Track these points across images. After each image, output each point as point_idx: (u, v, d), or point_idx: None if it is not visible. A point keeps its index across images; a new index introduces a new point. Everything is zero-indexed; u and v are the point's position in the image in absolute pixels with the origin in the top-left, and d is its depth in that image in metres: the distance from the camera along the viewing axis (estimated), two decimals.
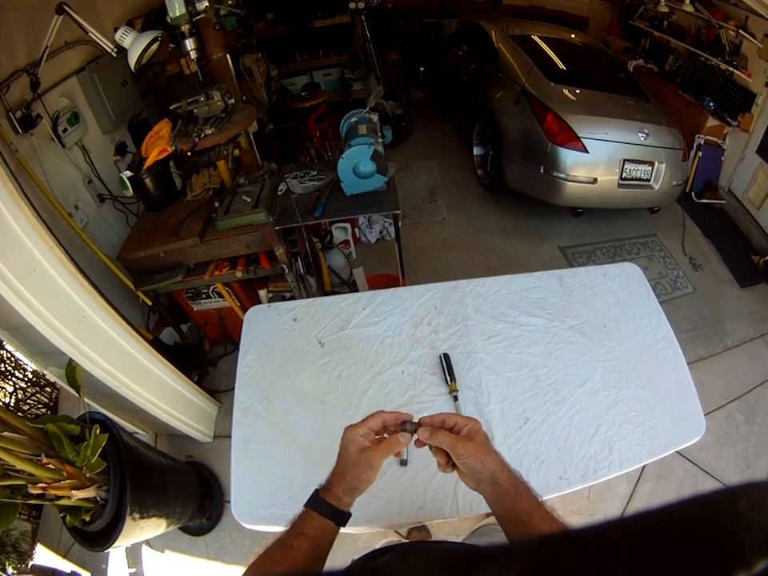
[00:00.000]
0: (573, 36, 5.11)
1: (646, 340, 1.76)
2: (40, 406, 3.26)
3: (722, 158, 4.77)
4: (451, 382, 1.59)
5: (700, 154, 4.68)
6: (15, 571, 2.57)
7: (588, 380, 1.63)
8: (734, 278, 3.97)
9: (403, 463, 1.43)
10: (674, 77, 5.32)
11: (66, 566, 2.57)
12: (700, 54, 4.82)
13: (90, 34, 2.32)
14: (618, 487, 2.59)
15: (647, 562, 0.24)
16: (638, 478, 2.62)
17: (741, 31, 4.27)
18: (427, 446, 0.90)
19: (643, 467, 2.62)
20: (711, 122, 4.66)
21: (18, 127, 2.31)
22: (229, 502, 2.47)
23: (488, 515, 1.70)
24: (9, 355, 3.14)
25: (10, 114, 2.28)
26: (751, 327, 3.57)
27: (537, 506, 0.81)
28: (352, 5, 4.78)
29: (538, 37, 4.73)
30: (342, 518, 0.85)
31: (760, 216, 4.40)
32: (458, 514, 1.34)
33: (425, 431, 0.88)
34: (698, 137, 4.68)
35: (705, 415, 1.57)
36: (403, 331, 1.78)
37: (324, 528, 0.82)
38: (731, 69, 4.43)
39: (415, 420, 0.91)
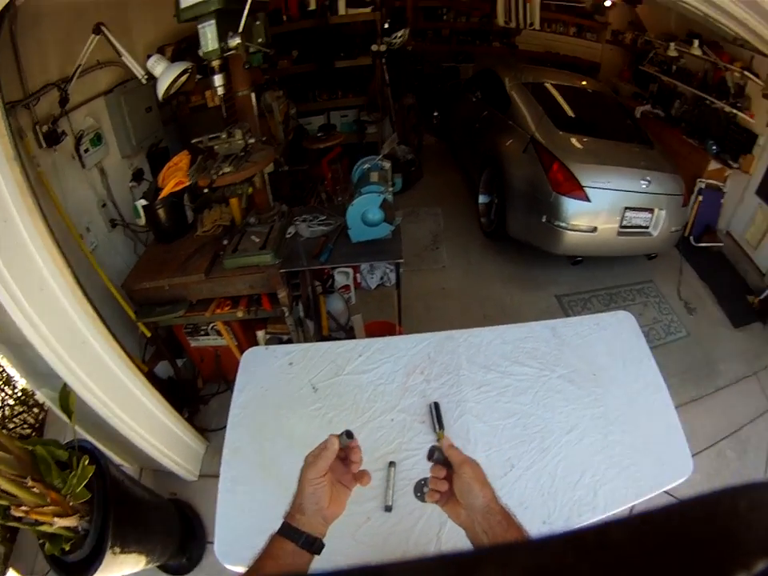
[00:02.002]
0: (584, 83, 5.20)
1: (635, 386, 1.80)
2: (26, 426, 3.17)
3: (722, 201, 4.81)
4: (439, 430, 1.62)
5: (701, 198, 4.73)
6: None
7: (575, 427, 1.66)
8: (729, 320, 3.98)
9: (388, 509, 1.45)
10: (680, 121, 5.41)
11: None
12: (705, 97, 4.90)
13: (124, 57, 2.40)
14: None
15: (648, 562, 0.24)
16: None
17: (746, 72, 4.35)
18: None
19: (631, 509, 2.60)
20: (713, 165, 4.72)
21: (43, 141, 2.34)
22: (211, 543, 2.40)
23: None
24: (0, 369, 3.09)
25: (37, 126, 2.31)
26: (744, 366, 3.57)
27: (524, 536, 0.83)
28: (374, 47, 4.88)
29: (550, 84, 4.79)
30: (309, 542, 0.84)
31: (756, 256, 4.43)
32: None
33: (447, 440, 0.96)
34: (700, 181, 4.73)
35: (695, 454, 1.59)
36: (396, 379, 1.81)
37: (284, 548, 0.83)
38: (735, 111, 4.50)
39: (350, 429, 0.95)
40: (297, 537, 0.83)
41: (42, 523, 1.57)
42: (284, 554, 0.82)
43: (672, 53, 5.24)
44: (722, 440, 3.04)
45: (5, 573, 2.60)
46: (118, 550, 1.77)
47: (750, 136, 4.41)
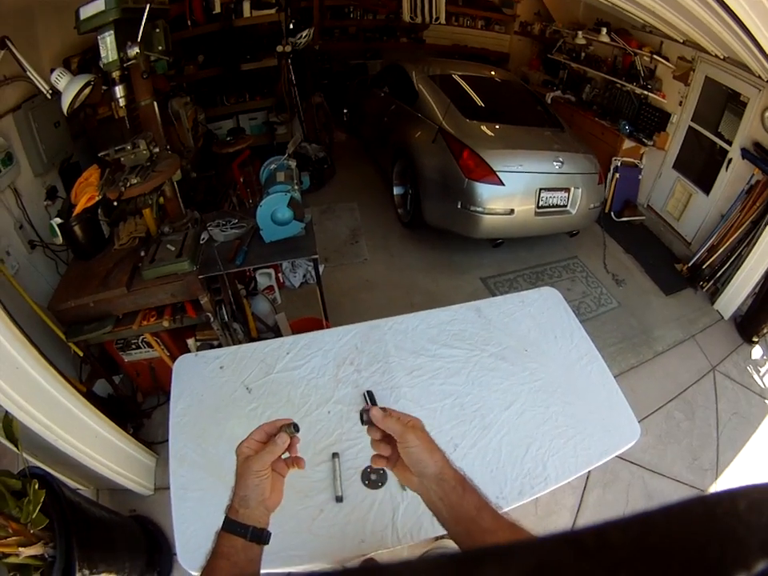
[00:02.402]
0: (492, 73, 5.38)
1: (569, 357, 1.87)
2: None
3: (640, 177, 5.15)
4: None
5: (617, 175, 5.03)
6: None
7: (513, 402, 1.70)
8: (659, 288, 4.22)
9: (339, 500, 1.45)
10: (591, 105, 5.74)
11: None
12: (616, 81, 5.23)
13: (28, 72, 2.31)
14: (565, 499, 2.66)
15: (647, 562, 0.24)
16: (584, 488, 2.69)
17: (656, 56, 4.67)
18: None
19: (587, 477, 2.71)
20: (627, 144, 5.03)
21: None
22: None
23: (437, 539, 1.69)
24: None
25: None
26: (680, 331, 3.80)
27: (484, 503, 0.82)
28: (279, 48, 4.92)
29: (457, 75, 4.93)
30: (254, 534, 0.83)
31: (680, 226, 4.76)
32: (399, 543, 1.37)
33: (378, 412, 0.90)
34: (615, 159, 5.03)
35: (642, 419, 1.67)
36: (327, 372, 1.82)
37: (234, 545, 0.81)
38: (646, 92, 4.83)
39: (294, 421, 0.94)
40: (244, 531, 0.83)
41: (9, 555, 1.54)
42: (235, 552, 0.81)
43: (580, 41, 5.57)
44: (669, 402, 3.20)
45: None
46: (87, 572, 1.75)
47: (663, 115, 4.76)
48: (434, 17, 5.45)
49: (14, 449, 1.70)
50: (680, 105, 4.60)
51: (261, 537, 0.84)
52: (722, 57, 3.93)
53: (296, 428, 0.93)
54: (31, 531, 1.60)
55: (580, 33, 5.50)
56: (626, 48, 4.96)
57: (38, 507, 1.61)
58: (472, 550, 0.27)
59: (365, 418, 0.93)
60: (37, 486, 1.64)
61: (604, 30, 5.14)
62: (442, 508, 0.84)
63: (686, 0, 2.79)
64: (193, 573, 1.36)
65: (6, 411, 1.85)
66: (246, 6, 4.93)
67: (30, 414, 1.96)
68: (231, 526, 0.83)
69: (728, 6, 2.59)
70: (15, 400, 1.89)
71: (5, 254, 2.54)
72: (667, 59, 4.61)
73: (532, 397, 1.73)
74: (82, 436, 2.23)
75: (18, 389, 1.90)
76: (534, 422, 1.65)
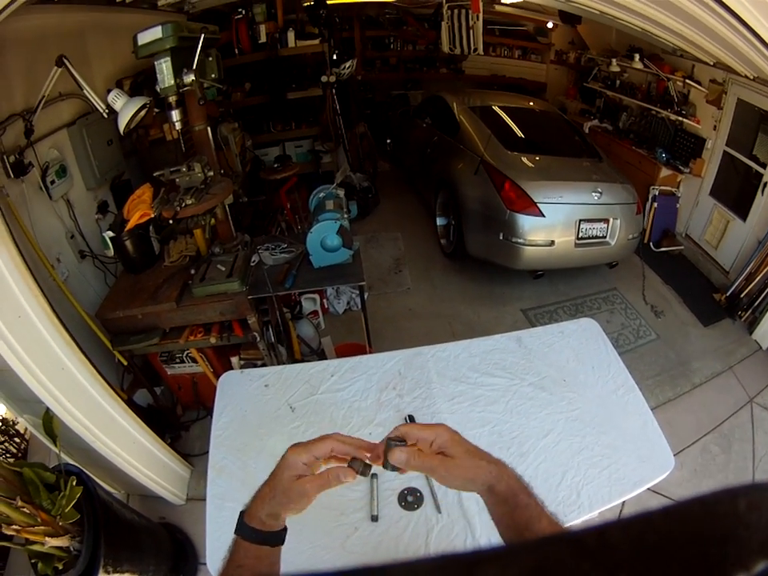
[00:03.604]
0: (530, 103, 5.42)
1: (606, 388, 1.86)
2: (8, 455, 3.15)
3: (678, 206, 5.05)
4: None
5: (655, 204, 4.95)
6: None
7: (550, 431, 1.70)
8: (697, 319, 4.11)
9: (374, 519, 1.47)
10: (628, 133, 5.68)
11: None
12: (651, 107, 5.17)
13: (85, 90, 2.42)
14: None
15: (647, 562, 0.24)
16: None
17: (688, 81, 4.61)
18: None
19: (621, 509, 2.65)
20: (664, 172, 4.95)
21: (11, 171, 2.32)
22: (203, 564, 2.40)
23: None
24: None
25: (4, 156, 2.30)
26: (718, 362, 3.67)
27: (538, 517, 0.74)
28: (324, 78, 5.04)
29: (497, 107, 4.98)
30: (273, 539, 0.77)
31: (718, 255, 4.63)
32: None
33: (400, 455, 0.77)
34: (653, 188, 4.96)
35: (678, 453, 1.64)
36: (369, 396, 1.84)
37: (259, 555, 0.76)
38: (681, 118, 4.76)
39: (368, 461, 0.80)
40: (266, 539, 0.77)
41: (34, 543, 1.58)
42: (253, 561, 0.76)
43: (615, 68, 5.52)
44: (705, 436, 3.10)
45: None
46: (110, 569, 1.78)
47: (699, 141, 4.67)
48: (472, 47, 5.55)
49: (52, 445, 1.76)
50: (714, 129, 4.52)
51: (275, 539, 0.79)
52: (751, 77, 3.85)
53: (367, 468, 0.80)
54: (60, 524, 1.64)
55: (614, 60, 5.48)
56: (659, 73, 4.92)
57: (73, 503, 1.65)
58: (472, 550, 0.28)
59: (357, 468, 0.79)
60: (74, 483, 1.69)
61: (637, 56, 5.11)
62: (492, 512, 0.79)
63: (711, 21, 2.77)
64: None
65: (48, 408, 1.90)
66: (291, 37, 5.10)
67: (72, 413, 2.02)
68: (254, 536, 0.77)
69: (748, 25, 2.58)
70: (58, 398, 1.95)
71: (56, 260, 2.64)
72: (699, 83, 4.55)
73: (569, 426, 1.72)
74: (121, 441, 2.28)
75: (61, 388, 1.97)
76: (570, 450, 1.64)
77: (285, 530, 0.81)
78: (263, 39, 5.07)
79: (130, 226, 2.53)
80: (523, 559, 0.27)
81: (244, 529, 0.78)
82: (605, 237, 4.09)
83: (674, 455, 1.67)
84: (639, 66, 5.15)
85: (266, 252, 2.73)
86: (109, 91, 2.41)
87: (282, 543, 0.80)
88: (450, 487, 0.81)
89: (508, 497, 0.75)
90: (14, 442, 3.23)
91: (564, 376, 1.90)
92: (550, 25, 6.99)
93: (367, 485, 1.56)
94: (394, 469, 0.80)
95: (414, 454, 0.78)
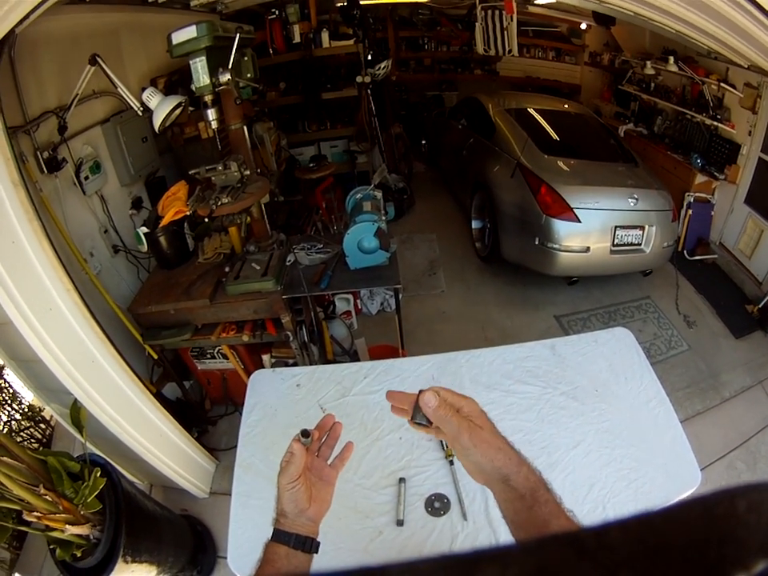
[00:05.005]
0: (565, 106, 5.36)
1: (638, 400, 1.82)
2: (33, 441, 3.23)
3: (712, 213, 4.89)
4: (447, 447, 1.64)
5: (690, 211, 4.81)
6: None
7: (581, 442, 1.67)
8: (729, 330, 4.00)
9: (399, 524, 1.46)
10: (663, 138, 5.55)
11: None
12: (686, 111, 5.03)
13: (119, 89, 2.46)
14: None
15: (647, 563, 0.24)
16: None
17: (722, 84, 4.47)
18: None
19: None
20: (699, 178, 4.81)
21: (45, 167, 2.37)
22: (222, 557, 2.45)
23: None
24: (6, 385, 3.14)
25: (38, 152, 2.35)
26: (748, 376, 3.57)
27: (557, 515, 0.72)
28: (358, 78, 5.04)
29: (532, 109, 4.93)
30: (285, 538, 0.85)
31: (751, 265, 4.48)
32: None
33: (432, 397, 0.78)
34: (688, 195, 4.82)
35: (704, 467, 1.59)
36: None
37: (277, 552, 0.83)
38: (716, 123, 4.61)
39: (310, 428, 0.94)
40: (287, 539, 0.84)
41: (54, 530, 1.61)
42: (278, 558, 0.83)
43: (649, 71, 5.40)
44: (732, 452, 3.04)
45: None
46: (129, 558, 1.81)
47: (734, 146, 4.51)
48: (507, 49, 5.49)
49: (79, 436, 1.79)
50: (749, 135, 4.36)
51: (305, 544, 0.85)
52: None
53: (305, 434, 0.93)
54: (81, 512, 1.67)
55: (648, 62, 5.34)
56: (694, 76, 4.77)
57: (96, 493, 1.68)
58: (472, 550, 0.28)
59: (418, 419, 0.81)
60: (99, 474, 1.72)
61: (671, 59, 4.97)
62: (505, 510, 0.77)
63: (744, 23, 2.69)
64: (237, 574, 1.40)
65: (76, 399, 1.94)
66: (325, 37, 5.12)
67: (100, 405, 2.05)
68: (275, 535, 0.86)
69: None
70: (87, 390, 1.99)
71: (89, 255, 2.69)
72: (734, 86, 4.39)
73: (599, 438, 1.69)
74: (148, 433, 2.32)
75: (91, 380, 2.01)
76: (599, 462, 1.61)
77: (314, 541, 0.87)
78: (297, 39, 5.10)
79: (164, 222, 2.59)
80: (523, 559, 0.27)
81: (273, 531, 0.85)
82: (640, 244, 4.01)
83: (700, 470, 1.63)
84: (673, 68, 5.02)
85: (302, 252, 2.75)
86: (143, 90, 2.45)
87: (312, 552, 0.86)
88: (465, 465, 0.79)
89: (526, 492, 0.73)
90: (40, 428, 3.32)
91: (596, 386, 1.87)
92: (583, 26, 6.90)
93: (395, 489, 1.55)
94: (420, 424, 0.81)
95: (445, 405, 0.78)
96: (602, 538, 0.27)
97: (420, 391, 0.81)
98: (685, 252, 4.84)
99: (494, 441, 0.77)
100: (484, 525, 1.45)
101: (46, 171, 2.39)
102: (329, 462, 0.99)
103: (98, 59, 2.35)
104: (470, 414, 0.79)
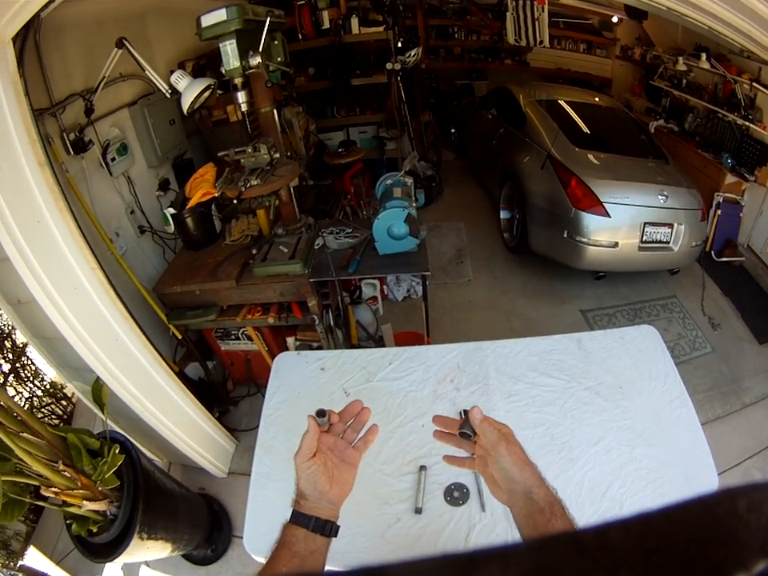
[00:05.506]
0: (596, 99, 5.28)
1: (661, 400, 1.79)
2: (54, 417, 3.31)
3: (741, 215, 4.77)
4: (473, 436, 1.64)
5: (719, 212, 4.69)
6: (2, 567, 2.58)
7: (602, 439, 1.66)
8: (753, 335, 3.93)
9: (418, 511, 1.47)
10: (694, 135, 5.41)
11: (57, 572, 2.57)
12: (717, 110, 4.89)
13: (147, 72, 2.49)
14: None
15: (647, 562, 0.24)
16: None
17: (755, 84, 4.35)
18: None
19: None
20: (729, 179, 4.69)
21: (71, 149, 2.41)
22: (237, 536, 2.49)
23: None
24: (29, 362, 3.21)
25: (64, 134, 2.38)
26: None
27: (571, 529, 0.77)
28: (388, 65, 5.01)
29: (563, 101, 4.87)
30: (303, 521, 0.85)
31: None
32: None
33: (479, 412, 0.91)
34: (717, 195, 4.70)
35: (721, 473, 1.57)
36: (426, 387, 1.83)
37: (295, 534, 0.83)
38: (747, 123, 4.48)
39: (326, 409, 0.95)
40: (306, 521, 0.84)
41: (71, 505, 1.64)
42: (296, 540, 0.82)
43: (681, 67, 5.28)
44: (749, 459, 2.99)
45: (25, 550, 2.70)
46: (145, 535, 1.84)
47: (765, 148, 4.38)
48: (538, 39, 5.41)
49: (100, 413, 1.81)
50: None
51: (324, 528, 0.85)
52: None
53: (321, 413, 0.94)
54: (99, 488, 1.69)
55: (680, 59, 5.22)
56: (726, 75, 4.64)
57: (114, 470, 1.70)
58: (472, 549, 0.27)
59: (463, 431, 0.93)
60: (117, 451, 1.75)
61: (704, 56, 4.82)
62: (524, 526, 0.81)
63: None
64: (254, 556, 1.41)
65: (98, 377, 1.96)
66: (355, 23, 5.08)
67: (122, 383, 2.08)
68: (294, 517, 0.86)
69: None
70: (109, 368, 2.02)
71: (114, 234, 2.72)
72: (766, 86, 4.27)
73: (620, 435, 1.67)
74: (169, 412, 2.35)
75: (114, 359, 2.03)
76: (619, 461, 1.60)
77: (335, 525, 0.88)
78: (326, 25, 5.07)
79: (191, 204, 2.61)
80: (524, 559, 0.28)
81: (292, 513, 0.87)
82: (668, 242, 3.96)
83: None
84: (706, 65, 4.87)
85: (331, 236, 2.74)
86: (171, 72, 2.45)
87: (331, 535, 0.86)
88: (496, 475, 0.86)
89: (545, 506, 0.79)
90: (61, 404, 3.40)
91: (620, 383, 1.84)
92: (615, 19, 6.74)
93: (415, 476, 1.56)
94: (466, 433, 0.93)
95: (488, 419, 0.91)
96: (602, 537, 0.27)
97: (466, 410, 0.95)
98: (712, 253, 4.74)
99: (523, 456, 0.87)
100: (501, 517, 1.45)
101: (72, 152, 2.42)
102: (352, 445, 0.99)
103: (125, 42, 2.37)
104: (507, 434, 0.89)
